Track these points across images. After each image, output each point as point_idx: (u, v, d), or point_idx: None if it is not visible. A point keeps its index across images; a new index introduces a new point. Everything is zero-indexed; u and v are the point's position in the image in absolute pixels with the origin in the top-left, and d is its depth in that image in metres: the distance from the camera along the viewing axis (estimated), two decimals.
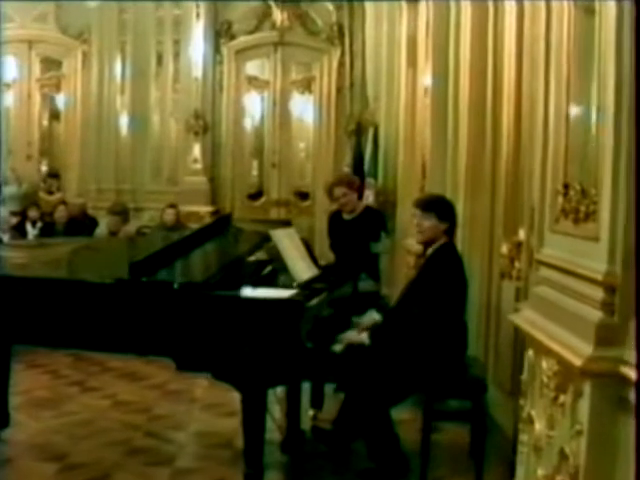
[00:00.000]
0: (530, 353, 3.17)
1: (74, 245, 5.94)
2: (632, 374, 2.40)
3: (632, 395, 2.41)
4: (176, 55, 11.04)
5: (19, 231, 9.11)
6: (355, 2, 10.65)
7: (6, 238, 8.39)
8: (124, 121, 11.13)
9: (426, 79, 6.64)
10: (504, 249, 4.92)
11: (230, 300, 3.79)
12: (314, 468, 4.61)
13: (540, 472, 2.99)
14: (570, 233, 2.89)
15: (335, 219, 6.45)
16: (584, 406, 2.59)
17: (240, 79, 11.36)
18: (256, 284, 4.08)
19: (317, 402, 5.17)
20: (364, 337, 4.18)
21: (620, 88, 2.53)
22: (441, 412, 4.27)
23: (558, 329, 2.85)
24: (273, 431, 4.56)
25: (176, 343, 3.80)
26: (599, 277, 2.61)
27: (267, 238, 4.60)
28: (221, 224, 5.44)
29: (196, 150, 10.94)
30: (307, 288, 4.25)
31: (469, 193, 5.64)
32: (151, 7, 11.00)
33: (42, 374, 6.56)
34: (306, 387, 4.99)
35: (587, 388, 2.58)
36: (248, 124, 11.59)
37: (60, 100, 11.52)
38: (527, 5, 4.52)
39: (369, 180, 8.37)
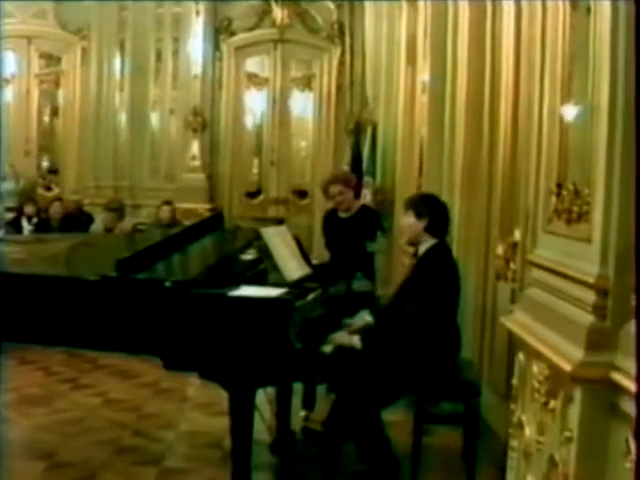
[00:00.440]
0: (521, 357, 3.10)
1: (71, 241, 5.88)
2: (624, 380, 2.32)
3: (623, 402, 2.33)
4: (175, 52, 11.01)
5: (14, 227, 9.05)
6: (355, 0, 10.60)
7: (1, 233, 8.34)
8: (123, 118, 11.11)
9: (424, 78, 6.58)
10: (500, 250, 4.86)
11: (218, 298, 3.73)
12: (303, 470, 4.56)
13: (530, 478, 2.93)
14: (562, 234, 2.82)
15: (331, 218, 6.38)
16: (574, 412, 2.51)
17: (240, 76, 11.32)
18: (246, 283, 4.01)
19: (309, 403, 5.12)
20: (355, 340, 4.10)
21: (615, 88, 2.46)
22: (433, 415, 4.20)
23: (549, 332, 2.77)
24: (263, 432, 4.49)
25: (163, 341, 3.73)
26: (591, 280, 2.54)
27: (259, 236, 4.53)
28: (214, 222, 5.37)
29: (195, 147, 10.90)
30: (298, 287, 4.18)
31: (465, 193, 5.58)
32: (151, 4, 10.97)
33: (34, 371, 6.51)
34: (298, 387, 4.93)
35: (577, 394, 2.50)
36: (247, 122, 11.55)
37: (59, 96, 11.47)
38: (524, 5, 4.46)
39: (367, 179, 8.31)
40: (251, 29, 11.10)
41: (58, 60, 11.38)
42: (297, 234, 4.92)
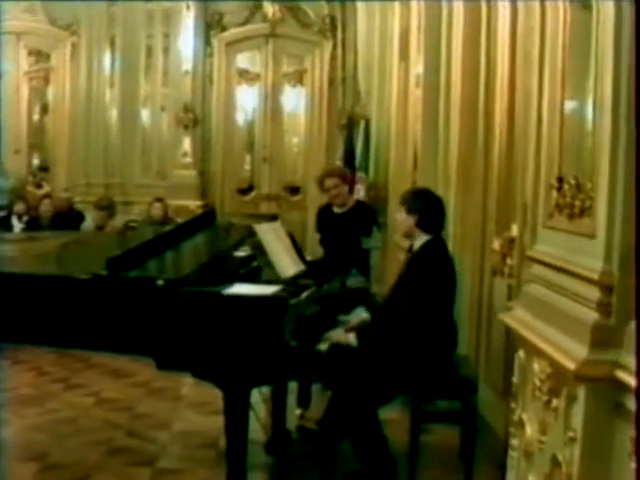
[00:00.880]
0: (521, 354, 3.04)
1: (62, 239, 5.80)
2: (629, 379, 2.26)
3: (629, 401, 2.27)
4: (166, 48, 10.96)
5: (5, 225, 8.96)
6: None
7: None
8: (113, 114, 11.03)
9: (418, 72, 6.52)
10: (496, 245, 4.80)
11: (211, 297, 3.67)
12: (299, 470, 4.49)
13: (531, 478, 2.87)
14: (564, 229, 2.76)
15: (325, 213, 6.34)
16: (578, 412, 2.45)
17: (231, 72, 11.27)
18: (239, 280, 3.96)
19: (304, 401, 5.05)
20: (351, 338, 4.05)
21: (618, 81, 2.40)
22: (430, 413, 4.16)
23: (551, 330, 2.71)
24: (258, 431, 4.42)
25: (156, 341, 3.67)
26: (595, 276, 2.47)
27: (252, 233, 4.47)
28: (206, 219, 5.31)
29: (186, 144, 10.85)
30: (292, 284, 4.13)
31: (461, 188, 5.53)
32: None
33: (26, 371, 6.44)
34: (293, 386, 4.87)
35: (581, 393, 2.43)
36: (239, 117, 11.49)
37: (49, 93, 11.37)
38: None
39: (360, 174, 8.26)
40: (242, 24, 11.04)
41: (47, 57, 11.28)
42: (290, 230, 4.87)
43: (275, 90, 11.26)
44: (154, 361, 3.72)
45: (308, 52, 11.17)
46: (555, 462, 2.61)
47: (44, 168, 11.24)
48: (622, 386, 2.32)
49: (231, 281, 3.87)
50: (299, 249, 4.68)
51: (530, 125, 3.37)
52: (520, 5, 4.40)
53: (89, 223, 9.10)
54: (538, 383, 2.79)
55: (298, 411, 4.99)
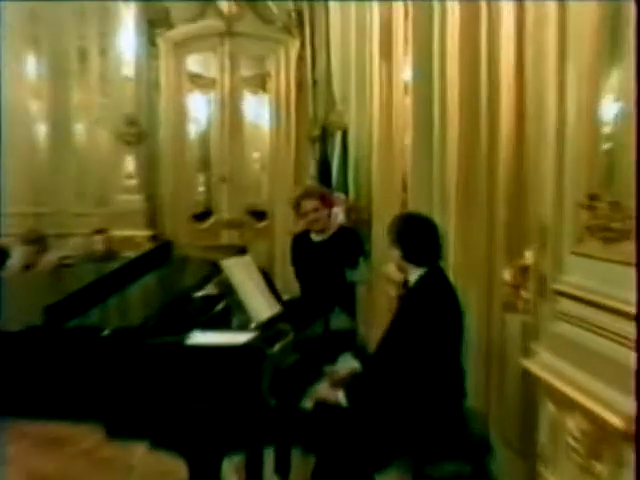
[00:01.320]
0: (550, 407, 3.03)
1: None
2: None
3: None
4: (102, 50, 10.98)
5: None
6: None
7: None
8: (41, 130, 11.00)
9: (405, 73, 6.53)
10: (507, 275, 4.79)
11: (172, 348, 3.68)
12: None
13: None
14: (598, 256, 2.77)
15: (301, 241, 6.32)
16: (628, 478, 2.41)
17: (181, 77, 11.35)
18: (205, 327, 3.95)
19: (282, 468, 5.01)
20: (340, 397, 4.01)
21: None
22: (435, 478, 4.09)
23: (587, 377, 2.71)
24: None
25: (105, 404, 3.66)
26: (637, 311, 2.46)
27: (218, 269, 4.45)
28: (161, 252, 5.29)
29: (129, 163, 10.89)
30: (268, 330, 4.12)
31: (461, 209, 5.51)
32: None
33: None
34: (268, 451, 4.84)
35: (630, 455, 2.40)
36: (191, 131, 11.60)
37: None
38: None
39: (338, 195, 8.25)
40: (193, 20, 11.12)
41: None
42: (261, 265, 4.85)
43: (233, 97, 11.37)
44: (103, 428, 3.67)
45: (271, 52, 11.30)
46: None
47: None
48: None
49: (196, 328, 3.85)
50: (274, 287, 4.68)
51: (547, 132, 3.37)
52: None
53: (15, 261, 8.97)
54: (573, 442, 2.78)
55: None
